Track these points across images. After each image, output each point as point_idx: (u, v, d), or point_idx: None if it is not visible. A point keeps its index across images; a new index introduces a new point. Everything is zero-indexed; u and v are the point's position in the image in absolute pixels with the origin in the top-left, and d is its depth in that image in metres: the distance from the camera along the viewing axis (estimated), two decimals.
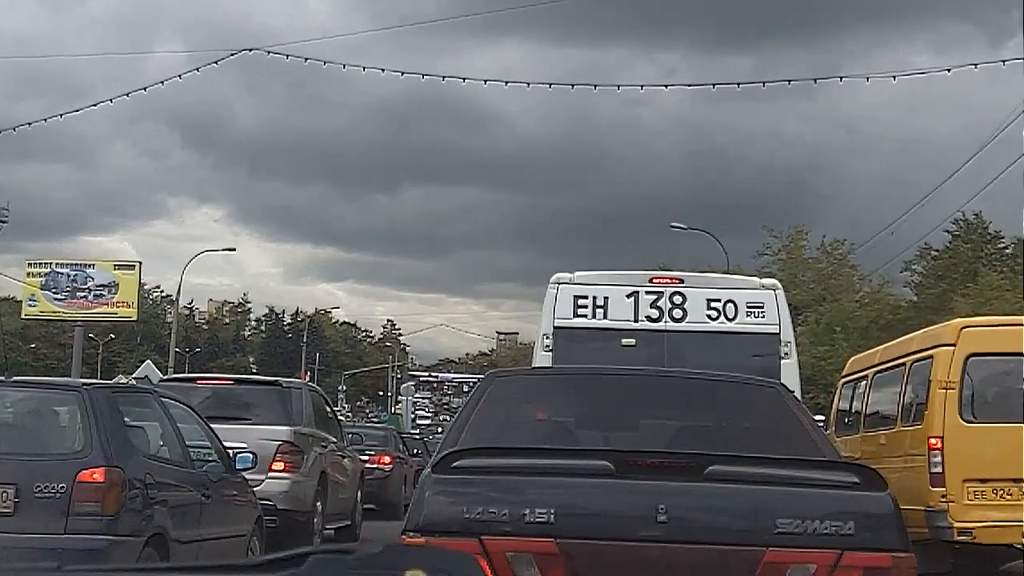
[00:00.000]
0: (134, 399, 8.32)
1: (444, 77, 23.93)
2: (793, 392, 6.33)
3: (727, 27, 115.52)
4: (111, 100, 24.73)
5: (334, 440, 13.33)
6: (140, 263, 50.30)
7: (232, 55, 22.83)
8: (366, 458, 16.64)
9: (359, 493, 14.50)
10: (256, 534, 9.14)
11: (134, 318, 51.29)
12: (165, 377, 14.50)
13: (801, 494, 3.96)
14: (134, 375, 34.96)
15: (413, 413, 49.98)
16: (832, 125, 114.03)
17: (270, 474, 11.07)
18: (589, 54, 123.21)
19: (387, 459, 19.35)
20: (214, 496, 8.27)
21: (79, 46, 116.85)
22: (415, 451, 23.81)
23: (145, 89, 23.93)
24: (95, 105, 25.12)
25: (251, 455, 8.90)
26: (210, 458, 8.62)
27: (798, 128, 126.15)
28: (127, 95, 24.27)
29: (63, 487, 6.74)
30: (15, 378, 8.27)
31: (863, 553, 3.81)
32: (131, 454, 7.24)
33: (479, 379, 6.25)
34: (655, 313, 10.21)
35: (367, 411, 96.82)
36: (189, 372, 71.92)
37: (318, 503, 12.02)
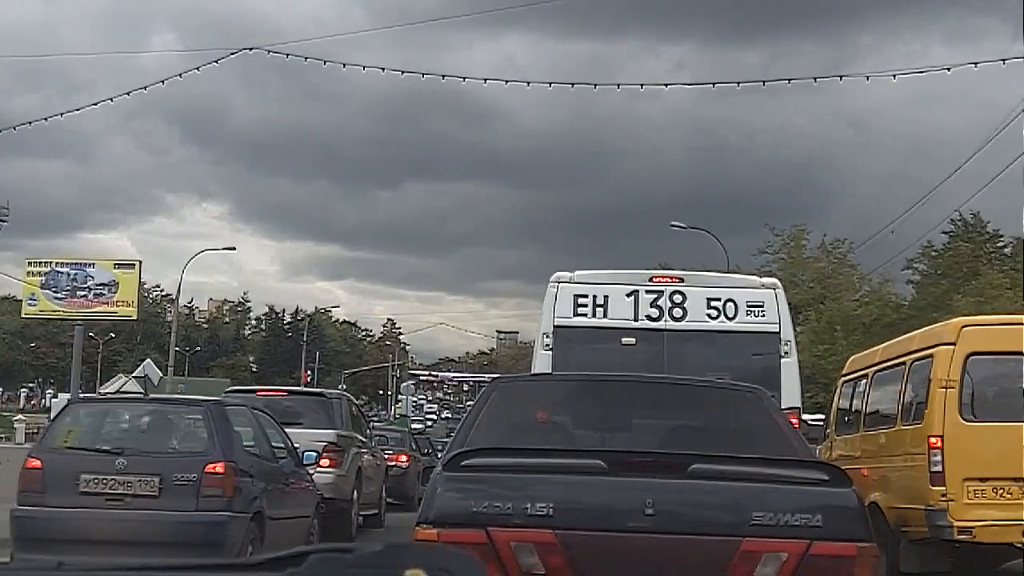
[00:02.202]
0: (237, 411, 10.25)
1: (444, 76, 23.77)
2: (778, 395, 6.60)
3: (737, 19, 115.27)
4: (112, 99, 24.68)
5: (364, 440, 15.31)
6: (140, 262, 50.24)
7: (232, 54, 22.72)
8: (385, 457, 18.37)
9: (384, 486, 16.63)
10: (316, 516, 11.07)
11: (134, 317, 51.22)
12: (229, 389, 15.99)
13: (775, 490, 4.34)
14: (134, 374, 34.97)
15: (415, 413, 50.01)
16: (836, 121, 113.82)
17: (318, 469, 12.74)
18: (594, 47, 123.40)
19: (404, 457, 21.43)
20: (289, 484, 10.37)
21: (77, 37, 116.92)
22: (425, 450, 26.33)
23: (146, 88, 23.84)
24: (96, 104, 25.07)
25: (315, 453, 11.00)
26: (284, 455, 10.62)
27: (802, 124, 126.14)
28: (128, 94, 24.22)
29: (194, 476, 8.85)
30: (151, 395, 11.02)
31: (830, 543, 4.17)
32: (239, 451, 9.35)
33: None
34: (655, 312, 10.21)
35: (368, 411, 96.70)
36: (189, 371, 72.57)
37: (355, 493, 13.90)
